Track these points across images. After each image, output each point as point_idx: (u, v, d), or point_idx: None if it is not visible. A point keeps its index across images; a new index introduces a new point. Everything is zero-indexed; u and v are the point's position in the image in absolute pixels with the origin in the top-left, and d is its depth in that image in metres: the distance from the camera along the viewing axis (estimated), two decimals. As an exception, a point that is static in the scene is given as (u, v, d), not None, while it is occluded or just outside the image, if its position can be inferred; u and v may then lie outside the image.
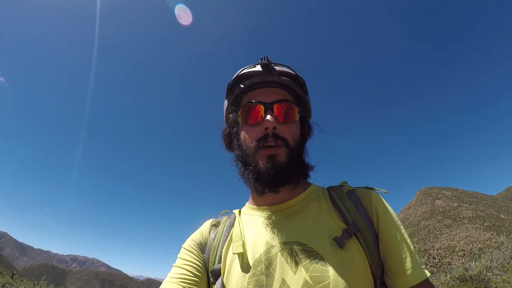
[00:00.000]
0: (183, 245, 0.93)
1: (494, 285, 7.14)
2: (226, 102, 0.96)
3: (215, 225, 0.95)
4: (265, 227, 0.85)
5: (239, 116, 0.90)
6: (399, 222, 0.83)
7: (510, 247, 8.53)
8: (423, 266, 0.77)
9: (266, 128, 0.84)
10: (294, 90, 0.91)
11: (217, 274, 0.83)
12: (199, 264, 0.87)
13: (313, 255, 0.75)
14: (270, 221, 0.86)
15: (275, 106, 0.86)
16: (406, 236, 0.81)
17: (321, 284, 0.71)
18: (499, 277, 7.23)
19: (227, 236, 0.88)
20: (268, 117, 0.84)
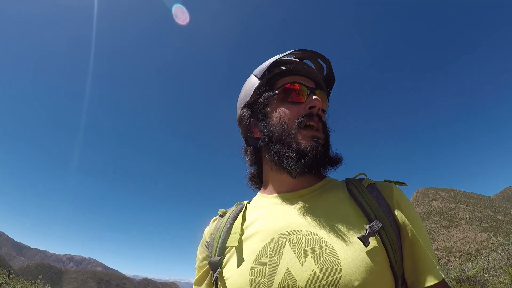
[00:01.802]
0: (196, 254, 0.94)
1: (491, 286, 7.17)
2: (255, 80, 0.91)
3: (221, 216, 0.94)
4: (275, 215, 0.81)
5: (277, 93, 0.88)
6: (419, 218, 0.80)
7: (507, 248, 8.57)
8: (439, 267, 0.74)
9: (311, 108, 0.83)
10: (325, 89, 0.95)
11: (215, 266, 0.81)
12: (207, 267, 0.87)
13: (325, 246, 0.70)
14: (280, 208, 0.82)
15: (317, 92, 0.88)
16: (426, 233, 0.78)
17: (331, 278, 0.65)
18: (495, 278, 7.27)
19: (228, 228, 0.86)
20: (316, 96, 0.84)
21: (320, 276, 0.66)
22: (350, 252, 0.68)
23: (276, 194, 0.87)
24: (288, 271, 0.68)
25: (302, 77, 0.90)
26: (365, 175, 0.88)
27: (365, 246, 0.68)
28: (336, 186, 0.86)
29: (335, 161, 0.86)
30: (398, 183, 0.85)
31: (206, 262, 0.88)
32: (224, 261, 0.80)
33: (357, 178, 0.89)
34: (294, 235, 0.73)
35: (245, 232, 0.81)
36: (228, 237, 0.83)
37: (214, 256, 0.83)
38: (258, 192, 0.96)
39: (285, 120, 0.84)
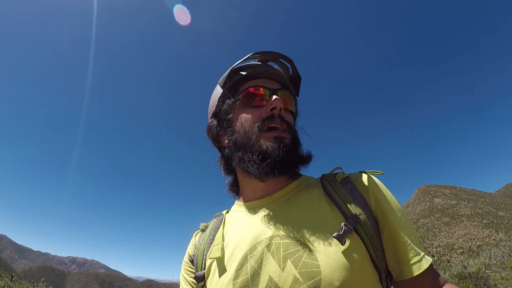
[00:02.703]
0: (180, 272, 0.92)
1: (493, 282, 7.17)
2: (219, 89, 0.91)
3: (203, 230, 0.93)
4: (252, 222, 0.80)
5: (238, 100, 0.86)
6: (399, 206, 0.77)
7: (509, 244, 8.57)
8: (424, 253, 0.72)
9: (272, 109, 0.82)
10: (290, 88, 0.92)
11: (200, 280, 0.81)
12: (192, 282, 0.85)
13: (302, 248, 0.69)
14: (257, 215, 0.81)
15: (279, 93, 0.85)
16: (408, 221, 0.75)
17: (312, 281, 0.65)
18: (497, 274, 7.27)
19: (212, 240, 0.85)
20: (276, 97, 0.82)
21: (301, 280, 0.65)
22: (328, 252, 0.67)
23: (252, 201, 0.86)
24: (270, 279, 0.68)
25: (265, 79, 0.88)
26: (341, 169, 0.86)
27: (342, 244, 0.67)
28: (310, 185, 0.84)
29: (304, 160, 0.83)
30: (373, 172, 0.83)
31: (192, 279, 0.86)
32: (206, 273, 0.80)
33: (332, 173, 0.87)
34: (272, 241, 0.72)
35: (226, 242, 0.81)
36: (211, 249, 0.82)
37: (200, 270, 0.82)
38: (236, 201, 0.94)
39: (246, 125, 0.83)
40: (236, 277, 0.71)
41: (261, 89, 0.85)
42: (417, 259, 0.70)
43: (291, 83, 0.93)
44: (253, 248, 0.74)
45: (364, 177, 0.81)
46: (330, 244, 0.68)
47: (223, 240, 0.81)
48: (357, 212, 0.73)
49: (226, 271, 0.74)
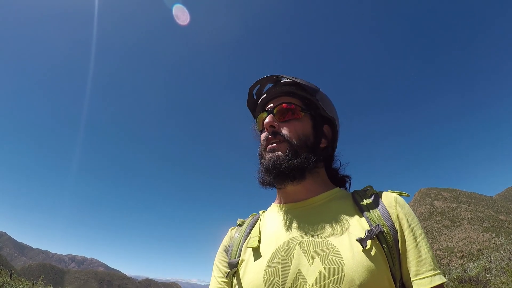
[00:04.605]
0: (214, 261, 1.01)
1: (493, 286, 7.15)
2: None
3: (240, 225, 1.02)
4: (286, 222, 0.89)
5: (256, 127, 1.06)
6: (419, 225, 0.84)
7: (509, 248, 8.54)
8: (439, 271, 0.77)
9: (267, 129, 0.94)
10: (298, 94, 0.98)
11: (233, 266, 0.88)
12: (225, 269, 0.94)
13: (330, 248, 0.78)
14: (291, 216, 0.90)
15: (276, 109, 0.96)
16: (426, 240, 0.82)
17: (336, 276, 0.73)
18: (497, 278, 7.24)
19: (248, 233, 0.95)
20: (266, 119, 0.94)
21: (326, 275, 0.74)
22: (352, 254, 0.75)
23: (288, 204, 0.95)
24: (299, 271, 0.77)
25: (273, 99, 1.00)
26: (371, 187, 0.95)
27: (363, 247, 0.76)
28: (343, 196, 0.94)
29: (308, 161, 0.91)
30: (400, 193, 0.91)
31: (224, 268, 0.94)
32: (241, 260, 0.88)
33: (363, 189, 0.96)
34: (304, 239, 0.82)
35: (262, 236, 0.90)
36: (248, 240, 0.92)
37: (234, 258, 0.90)
38: (273, 203, 1.04)
39: (260, 148, 0.98)
40: (268, 266, 0.80)
41: (263, 114, 0.99)
42: (430, 274, 0.76)
43: (300, 87, 0.98)
44: (286, 243, 0.83)
45: (391, 195, 0.89)
46: (354, 246, 0.77)
47: (259, 234, 0.91)
48: (381, 223, 0.81)
49: (260, 260, 0.84)
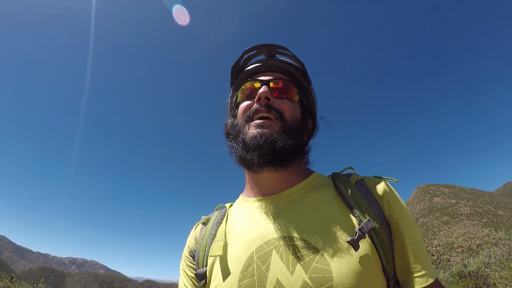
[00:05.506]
0: (180, 265, 0.88)
1: (492, 281, 7.20)
2: (231, 90, 0.95)
3: (205, 223, 0.89)
4: (259, 220, 0.76)
5: (238, 96, 0.89)
6: (411, 216, 0.76)
7: (508, 243, 8.60)
8: (432, 267, 0.72)
9: (259, 99, 0.80)
10: (295, 77, 0.88)
11: (201, 278, 0.76)
12: (193, 278, 0.81)
13: (314, 252, 0.66)
14: (265, 212, 0.77)
15: (271, 82, 0.83)
16: (418, 232, 0.74)
17: (323, 287, 0.62)
18: (497, 273, 7.29)
19: (214, 235, 0.81)
20: (262, 88, 0.81)
21: (311, 285, 0.62)
22: (341, 258, 0.64)
23: (259, 197, 0.82)
24: (278, 282, 0.64)
25: (270, 73, 0.88)
26: (353, 169, 0.83)
27: (356, 250, 0.65)
28: (322, 184, 0.81)
29: (296, 150, 0.80)
30: (388, 179, 0.81)
31: (193, 274, 0.81)
32: (209, 272, 0.75)
33: (343, 173, 0.84)
34: (281, 242, 0.69)
35: (229, 239, 0.77)
36: (213, 246, 0.77)
37: (202, 267, 0.78)
38: (240, 195, 0.91)
39: (238, 118, 0.84)
40: (241, 278, 0.68)
41: (253, 83, 0.85)
42: (425, 272, 0.69)
43: (300, 72, 0.89)
44: (260, 248, 0.70)
45: (380, 182, 0.79)
46: (343, 249, 0.66)
47: (225, 237, 0.77)
48: (372, 217, 0.71)
49: (230, 272, 0.70)
